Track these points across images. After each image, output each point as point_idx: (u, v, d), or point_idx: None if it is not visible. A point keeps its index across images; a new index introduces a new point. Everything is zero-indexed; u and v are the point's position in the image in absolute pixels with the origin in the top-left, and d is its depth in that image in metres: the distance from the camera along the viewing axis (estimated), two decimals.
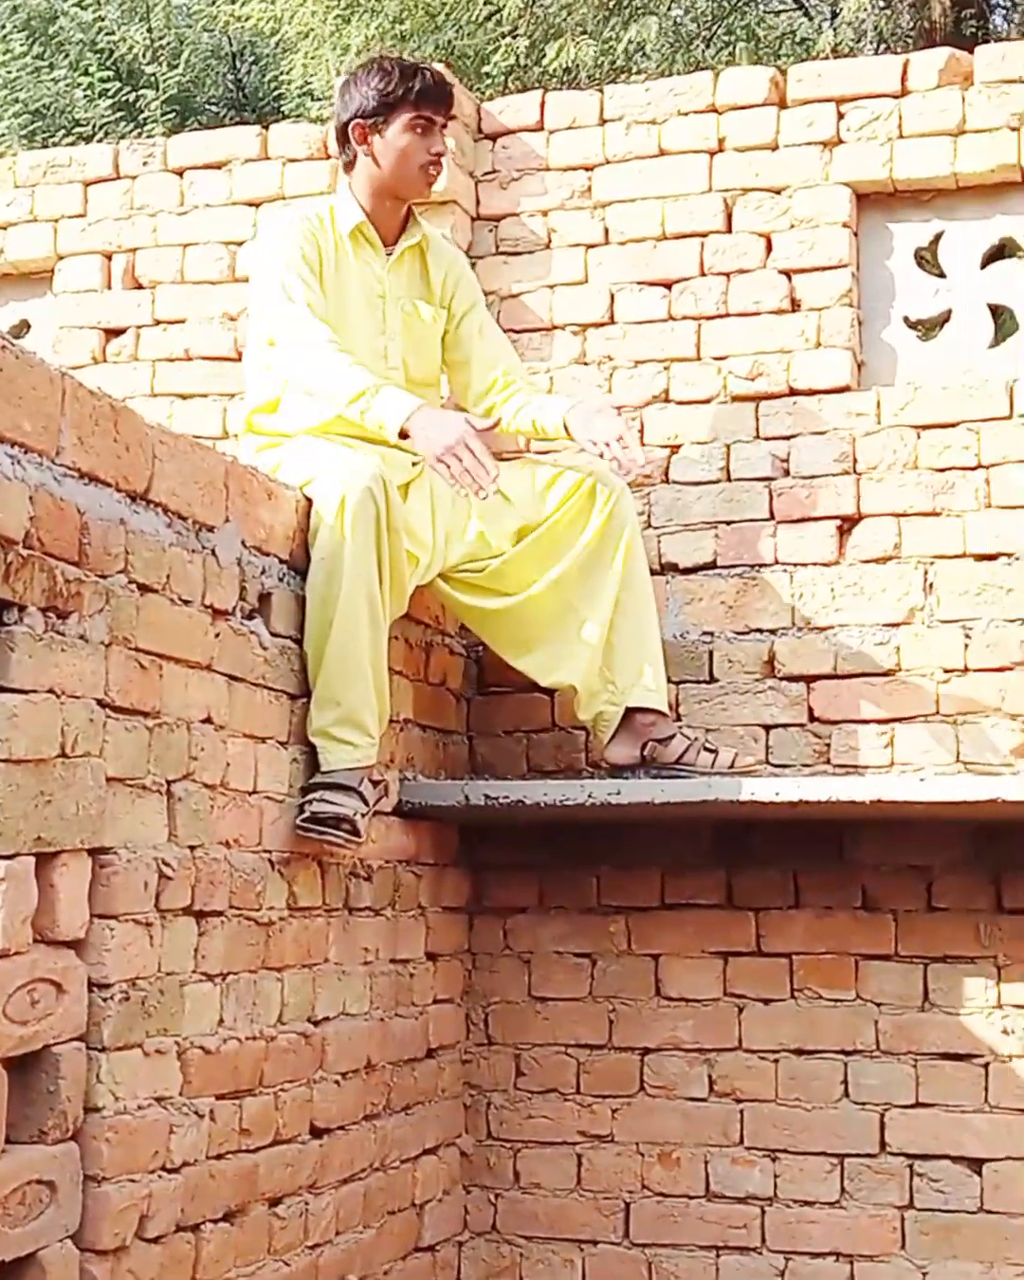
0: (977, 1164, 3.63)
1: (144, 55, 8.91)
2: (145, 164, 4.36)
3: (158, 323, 4.32)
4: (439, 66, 3.67)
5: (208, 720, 2.88)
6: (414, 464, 3.67)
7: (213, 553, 2.92)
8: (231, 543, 2.99)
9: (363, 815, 3.20)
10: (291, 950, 3.14)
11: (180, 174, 4.34)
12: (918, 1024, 3.69)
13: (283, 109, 8.59)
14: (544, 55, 6.67)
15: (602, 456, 3.55)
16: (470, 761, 4.01)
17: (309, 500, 3.26)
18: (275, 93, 8.95)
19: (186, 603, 2.83)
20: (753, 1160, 3.75)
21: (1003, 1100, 3.63)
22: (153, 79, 8.77)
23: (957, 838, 3.70)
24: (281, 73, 8.38)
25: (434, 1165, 3.75)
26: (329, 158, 4.20)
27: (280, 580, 3.16)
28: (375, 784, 3.29)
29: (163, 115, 8.57)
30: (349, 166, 3.65)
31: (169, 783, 2.76)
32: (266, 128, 4.35)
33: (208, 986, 2.87)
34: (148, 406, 4.14)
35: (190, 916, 2.82)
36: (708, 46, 6.81)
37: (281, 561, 3.17)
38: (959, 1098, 3.65)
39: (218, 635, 2.93)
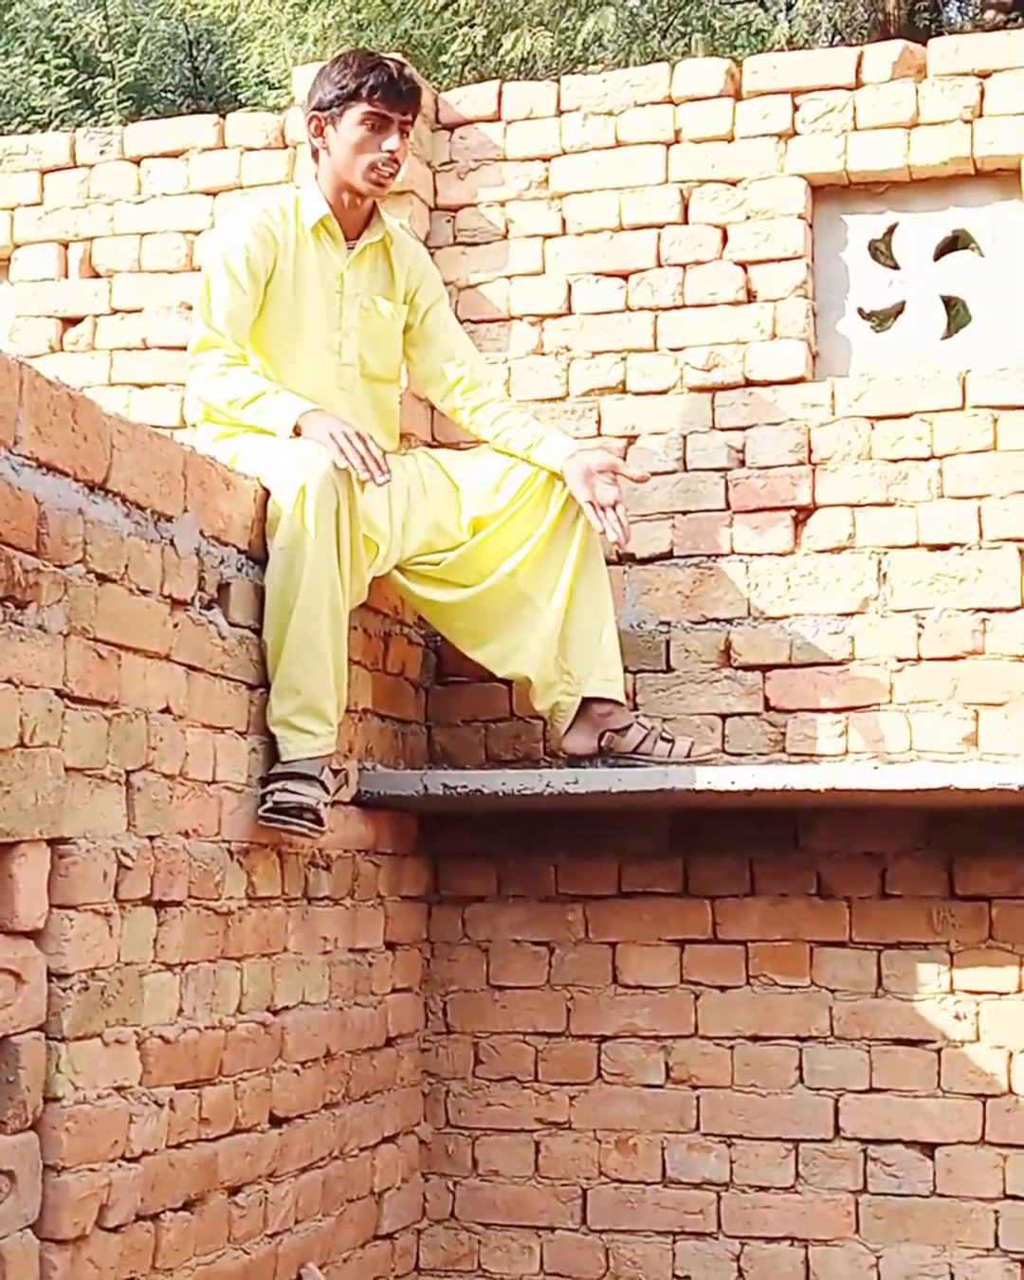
0: (929, 1148, 3.67)
1: (100, 43, 8.85)
2: (102, 152, 4.34)
3: (115, 312, 4.30)
4: (409, 68, 3.64)
5: (166, 710, 2.89)
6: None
7: (171, 543, 2.93)
8: (190, 532, 2.99)
9: (325, 804, 3.21)
10: (251, 940, 3.15)
11: (137, 163, 4.32)
12: (872, 1010, 3.72)
13: (240, 98, 8.54)
14: (501, 45, 6.66)
15: (597, 523, 3.59)
16: (429, 751, 4.03)
17: (267, 490, 3.26)
18: (232, 81, 8.90)
19: (145, 593, 2.83)
20: (709, 1146, 3.78)
21: (955, 1085, 3.67)
22: (109, 67, 8.71)
23: (910, 825, 3.73)
24: (239, 61, 8.33)
25: (393, 1153, 3.77)
26: (287, 147, 4.20)
27: (239, 570, 3.16)
28: (335, 773, 3.31)
29: (119, 103, 8.52)
30: (316, 157, 3.65)
31: (128, 773, 2.77)
32: (224, 117, 4.34)
33: (167, 976, 2.87)
34: (105, 396, 4.13)
35: (149, 906, 2.82)
36: (664, 38, 6.81)
37: (240, 551, 3.17)
38: (912, 1083, 3.69)
39: (176, 625, 2.93)
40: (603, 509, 3.59)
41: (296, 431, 3.35)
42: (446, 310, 3.83)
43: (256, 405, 3.41)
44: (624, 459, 3.96)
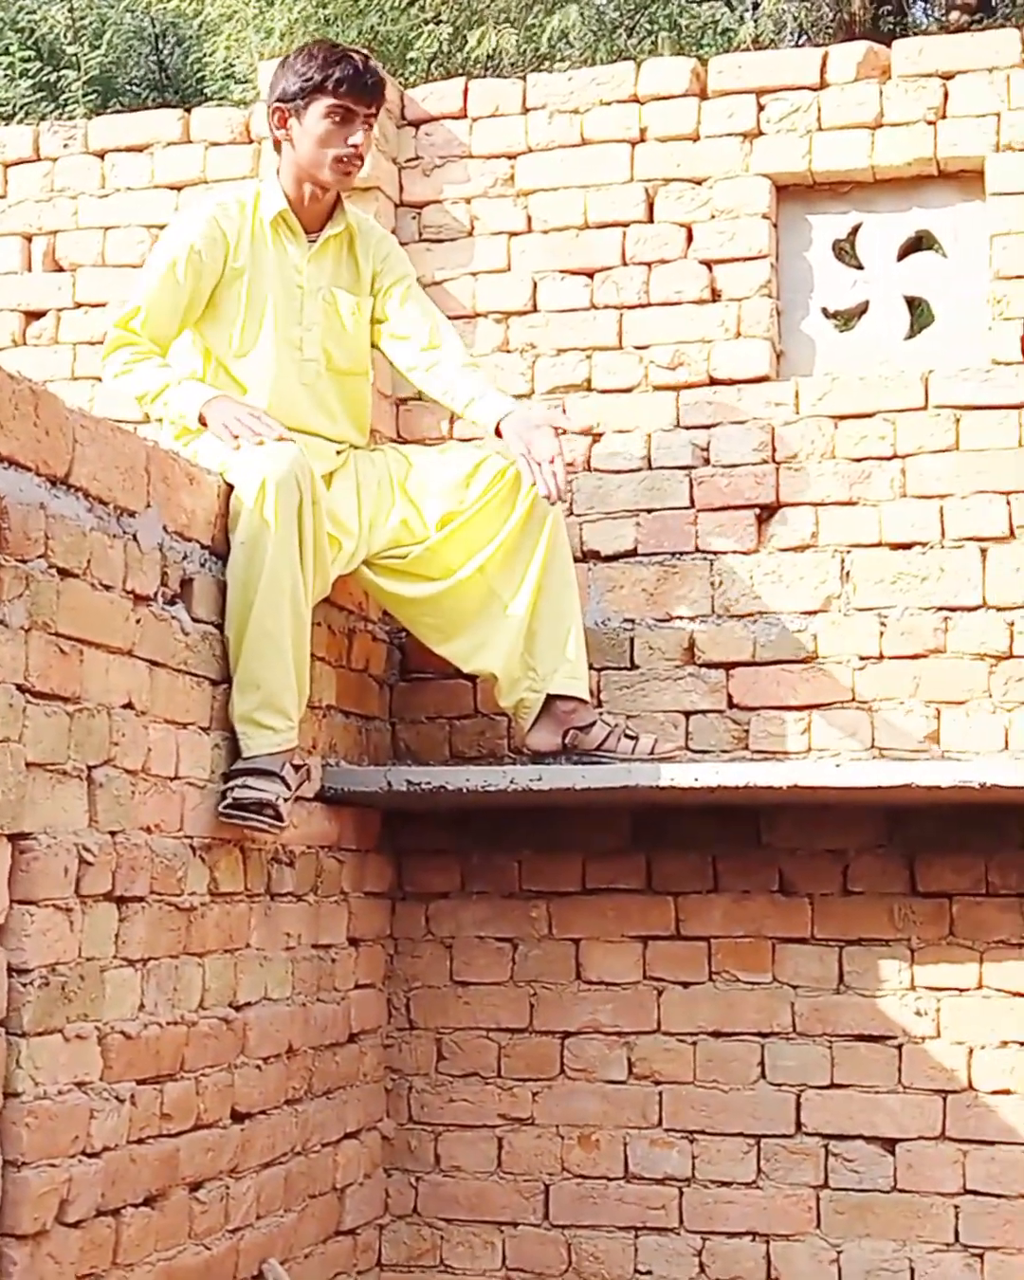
0: (890, 1144, 3.69)
1: (65, 35, 8.81)
2: (66, 146, 4.33)
3: (78, 306, 4.29)
4: (373, 61, 3.63)
5: (129, 706, 2.88)
6: (338, 452, 3.68)
7: (134, 538, 2.92)
8: (153, 528, 2.98)
9: (286, 800, 3.20)
10: (213, 936, 3.15)
11: (102, 156, 4.31)
12: (833, 1006, 3.74)
13: (206, 91, 8.52)
14: (467, 42, 6.66)
15: (529, 475, 3.56)
16: (393, 747, 4.03)
17: (230, 485, 3.26)
18: (198, 75, 8.87)
19: (107, 588, 2.83)
20: (671, 1142, 3.79)
21: (916, 1081, 3.69)
22: (74, 59, 8.67)
23: (872, 822, 3.75)
24: (205, 55, 8.31)
25: (355, 1149, 3.77)
26: (252, 141, 4.19)
27: (202, 565, 3.16)
28: (297, 769, 3.30)
29: (84, 97, 8.48)
30: (279, 148, 3.64)
31: (89, 768, 2.76)
32: (189, 111, 4.33)
33: (128, 972, 2.87)
34: (68, 390, 4.11)
35: (111, 902, 2.82)
36: (630, 36, 6.82)
37: (203, 547, 3.17)
38: (873, 1079, 3.71)
39: (139, 621, 2.92)
40: (537, 463, 3.55)
41: (202, 422, 3.38)
42: (411, 287, 3.78)
43: (162, 399, 3.44)
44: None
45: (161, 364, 3.51)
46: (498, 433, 3.63)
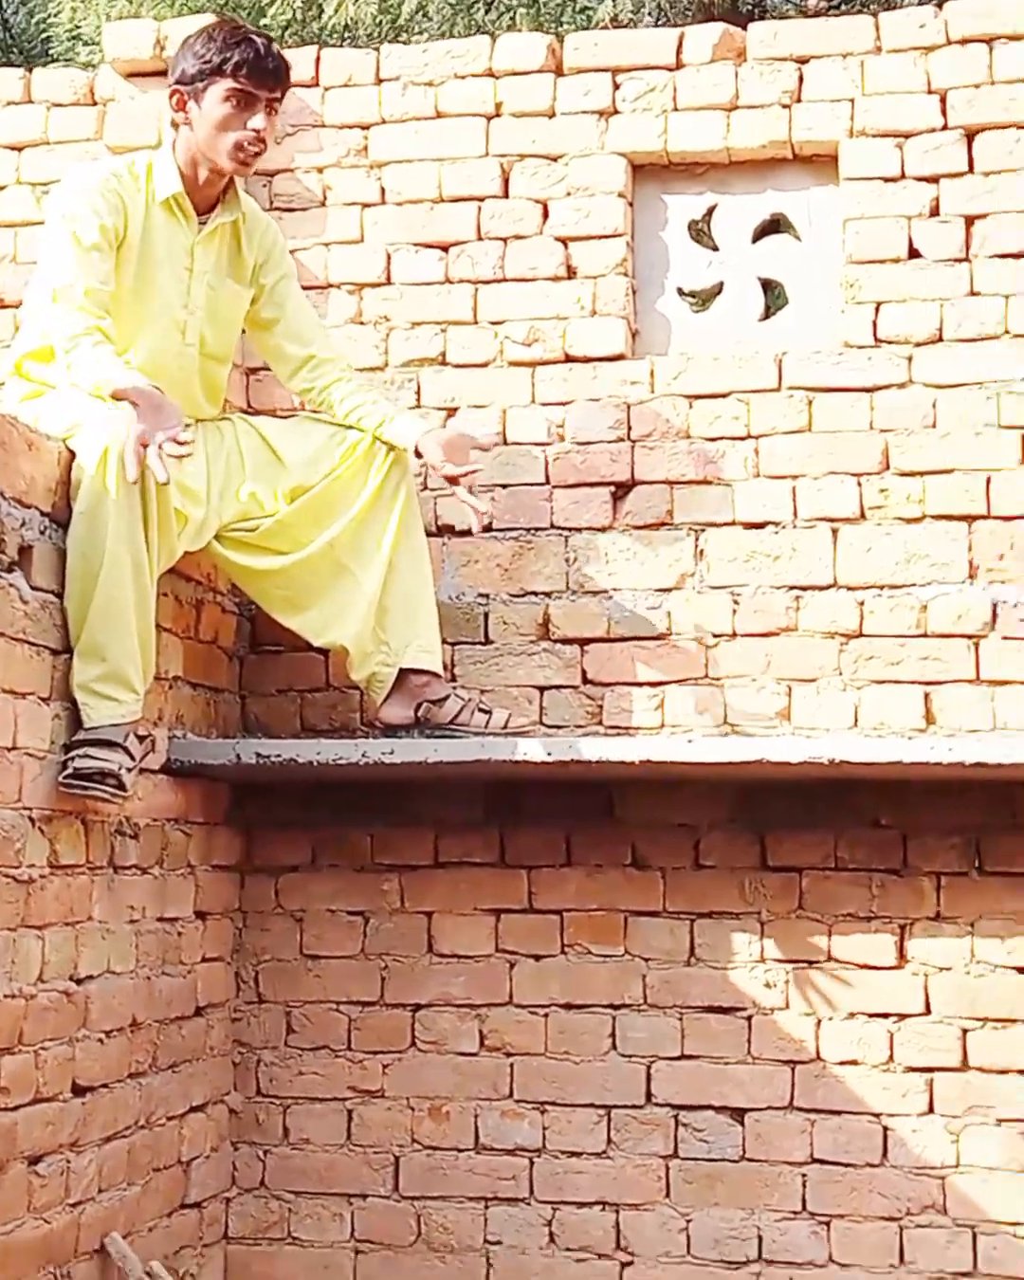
0: (739, 1114, 3.74)
1: None
2: None
3: None
4: (275, 44, 3.56)
5: None
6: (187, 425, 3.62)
7: None
8: None
9: (128, 770, 3.16)
10: (53, 908, 3.10)
11: None
12: (684, 978, 3.77)
13: (51, 52, 8.34)
14: (322, 12, 6.57)
15: (465, 498, 3.61)
16: (243, 720, 3.99)
17: (72, 452, 3.19)
18: (43, 35, 8.68)
19: None
20: (522, 1113, 3.80)
21: (765, 1052, 3.73)
22: None
23: (723, 797, 3.79)
24: (50, 16, 8.14)
25: (202, 1122, 3.73)
26: (96, 104, 4.11)
27: (42, 533, 3.09)
28: (141, 740, 3.26)
29: None
30: (176, 128, 3.57)
31: None
32: (30, 71, 4.24)
33: None
34: None
35: None
36: (488, 11, 6.78)
37: (43, 514, 3.10)
38: (723, 1050, 3.75)
39: None
40: (462, 488, 3.59)
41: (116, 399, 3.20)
42: (293, 286, 3.77)
43: (73, 357, 3.26)
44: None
45: (117, 352, 3.32)
46: (417, 453, 3.63)
